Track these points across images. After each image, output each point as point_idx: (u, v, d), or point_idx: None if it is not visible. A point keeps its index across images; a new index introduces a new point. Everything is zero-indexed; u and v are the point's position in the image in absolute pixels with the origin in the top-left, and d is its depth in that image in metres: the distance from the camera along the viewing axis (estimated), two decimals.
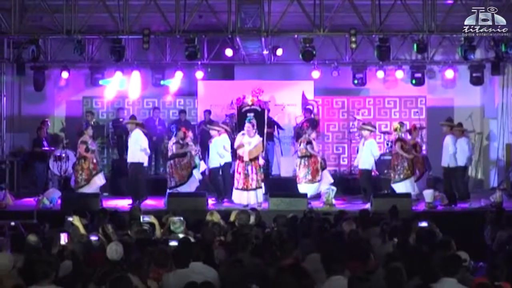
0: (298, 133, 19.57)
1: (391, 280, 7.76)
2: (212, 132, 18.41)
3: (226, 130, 18.49)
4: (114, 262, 8.88)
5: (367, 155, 17.94)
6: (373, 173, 18.49)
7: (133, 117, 18.91)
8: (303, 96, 21.07)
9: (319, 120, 20.84)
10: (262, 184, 17.58)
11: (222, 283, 8.28)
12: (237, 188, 17.38)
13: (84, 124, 20.10)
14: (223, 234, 11.29)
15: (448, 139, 18.05)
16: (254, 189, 17.27)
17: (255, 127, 17.78)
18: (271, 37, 18.68)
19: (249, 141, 17.36)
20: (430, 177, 19.38)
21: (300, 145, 18.37)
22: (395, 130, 18.22)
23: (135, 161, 17.76)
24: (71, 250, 9.70)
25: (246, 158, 17.26)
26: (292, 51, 20.21)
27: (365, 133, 18.23)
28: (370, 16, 17.06)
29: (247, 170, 17.28)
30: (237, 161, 17.57)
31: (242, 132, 17.67)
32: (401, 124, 18.41)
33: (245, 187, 17.26)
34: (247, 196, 17.22)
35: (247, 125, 17.58)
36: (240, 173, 17.36)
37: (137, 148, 17.68)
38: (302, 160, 18.21)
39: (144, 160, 18.07)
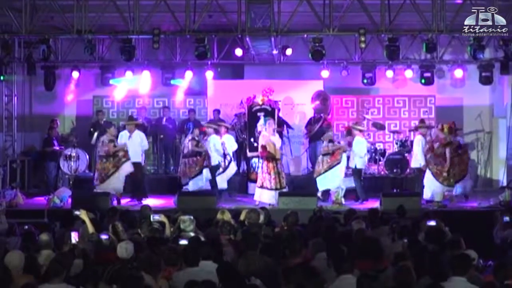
0: (322, 131, 19.44)
1: (400, 279, 7.80)
2: (208, 130, 18.48)
3: (227, 129, 18.67)
4: (125, 261, 8.95)
5: (352, 154, 18.01)
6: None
7: (131, 117, 19.09)
8: (320, 95, 20.89)
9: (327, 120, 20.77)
10: None
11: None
12: (271, 189, 17.27)
13: (104, 123, 20.17)
14: (233, 233, 11.34)
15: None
16: (285, 187, 17.36)
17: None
18: (281, 37, 18.66)
19: (276, 140, 17.48)
20: None
21: (323, 142, 18.29)
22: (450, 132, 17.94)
23: (137, 161, 18.19)
24: (82, 249, 9.77)
25: (278, 156, 17.31)
26: (301, 51, 20.23)
27: (356, 132, 18.22)
28: (380, 16, 17.11)
29: (278, 168, 17.30)
30: (264, 161, 17.48)
31: (265, 129, 17.72)
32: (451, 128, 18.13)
33: (279, 186, 17.25)
34: (275, 195, 17.22)
35: (269, 122, 17.66)
36: (269, 173, 17.25)
37: (139, 149, 18.15)
38: (325, 158, 18.05)
39: (142, 159, 18.76)
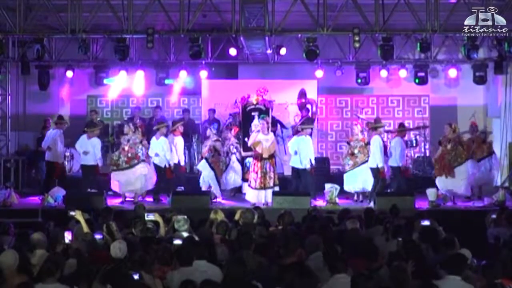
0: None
1: (395, 278, 7.81)
2: (161, 131, 18.22)
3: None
4: (118, 260, 8.94)
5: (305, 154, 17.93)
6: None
7: (60, 117, 19.09)
8: (303, 94, 20.90)
9: (316, 119, 20.70)
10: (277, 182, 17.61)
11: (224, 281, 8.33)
12: (255, 188, 17.33)
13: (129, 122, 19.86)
14: (228, 233, 11.34)
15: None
16: (271, 187, 17.28)
17: (269, 124, 17.91)
18: (275, 36, 18.61)
19: (266, 138, 17.39)
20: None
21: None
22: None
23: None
24: (76, 248, 9.76)
25: (265, 155, 17.26)
26: (295, 50, 20.25)
27: (308, 131, 18.21)
28: (374, 15, 17.08)
29: (265, 168, 17.26)
30: (253, 160, 17.54)
31: (256, 129, 17.73)
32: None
33: (263, 185, 17.23)
34: (265, 194, 17.19)
35: (261, 122, 17.66)
36: (257, 172, 17.28)
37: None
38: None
39: None
